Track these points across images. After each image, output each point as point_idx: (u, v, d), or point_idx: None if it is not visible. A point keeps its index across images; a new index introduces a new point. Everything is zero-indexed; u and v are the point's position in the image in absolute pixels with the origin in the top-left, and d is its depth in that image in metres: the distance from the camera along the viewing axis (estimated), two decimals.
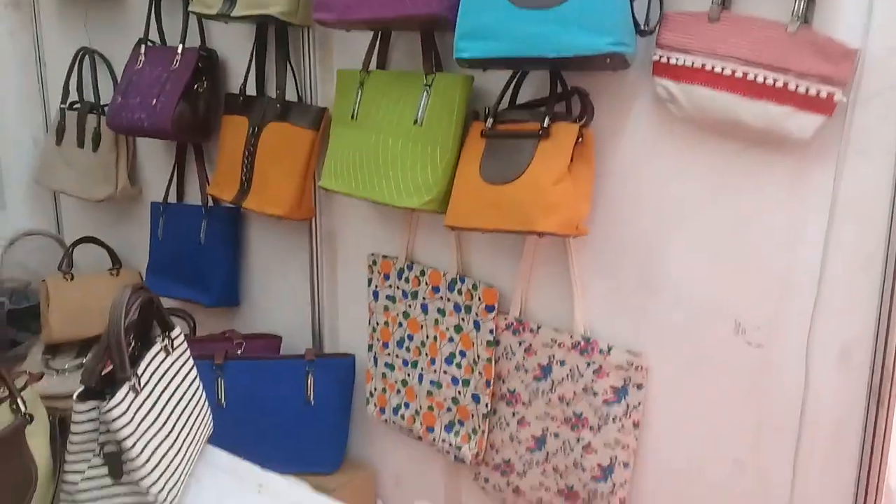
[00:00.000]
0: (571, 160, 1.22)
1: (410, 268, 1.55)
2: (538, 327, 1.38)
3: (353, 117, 1.49)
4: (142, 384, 0.99)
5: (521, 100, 1.34)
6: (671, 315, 1.27)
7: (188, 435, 1.10)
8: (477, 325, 1.44)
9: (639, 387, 1.28)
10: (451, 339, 1.49)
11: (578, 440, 1.34)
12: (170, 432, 1.04)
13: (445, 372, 1.51)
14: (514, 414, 1.43)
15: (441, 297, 1.50)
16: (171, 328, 1.13)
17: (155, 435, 0.99)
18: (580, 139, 1.22)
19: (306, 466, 1.69)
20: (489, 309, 1.42)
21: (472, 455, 1.48)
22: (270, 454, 1.69)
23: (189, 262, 1.96)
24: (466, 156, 1.34)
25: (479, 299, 1.43)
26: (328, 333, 1.81)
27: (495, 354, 1.44)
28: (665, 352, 1.28)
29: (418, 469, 1.68)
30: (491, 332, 1.42)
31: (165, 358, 1.08)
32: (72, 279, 2.16)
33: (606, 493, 1.32)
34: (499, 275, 1.46)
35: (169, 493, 1.01)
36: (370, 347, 1.66)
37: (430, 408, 1.54)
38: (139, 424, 0.96)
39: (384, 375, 1.63)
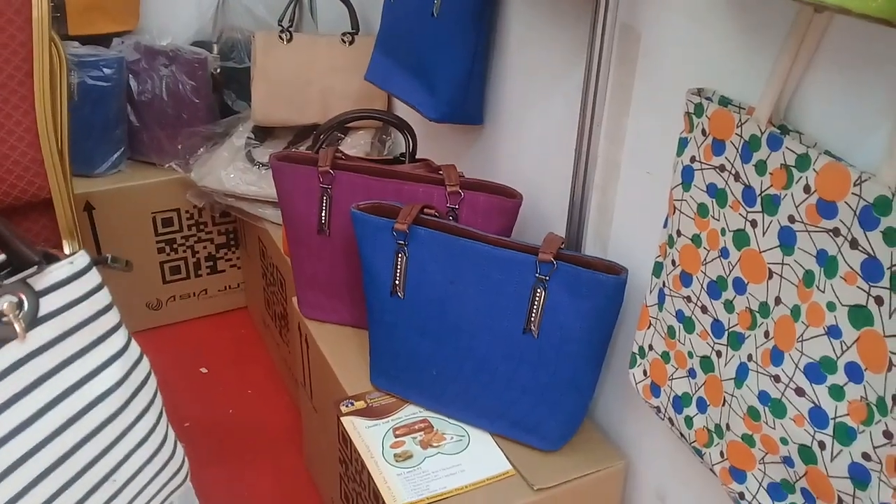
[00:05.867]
0: None
1: (776, 141, 0.67)
2: None
3: None
4: None
5: None
6: None
7: None
8: None
9: None
10: (832, 330, 0.64)
11: None
12: None
13: (801, 390, 0.67)
14: None
15: (836, 231, 0.62)
16: (28, 265, 0.43)
17: None
18: None
19: (514, 429, 1.01)
20: None
21: None
22: (460, 391, 1.03)
23: (417, 43, 1.25)
24: None
25: None
26: (594, 216, 1.02)
27: None
28: None
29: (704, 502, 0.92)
30: None
31: None
32: (290, 40, 1.57)
33: None
34: None
35: None
36: (657, 269, 0.85)
37: (748, 438, 0.74)
38: None
39: (671, 332, 0.84)
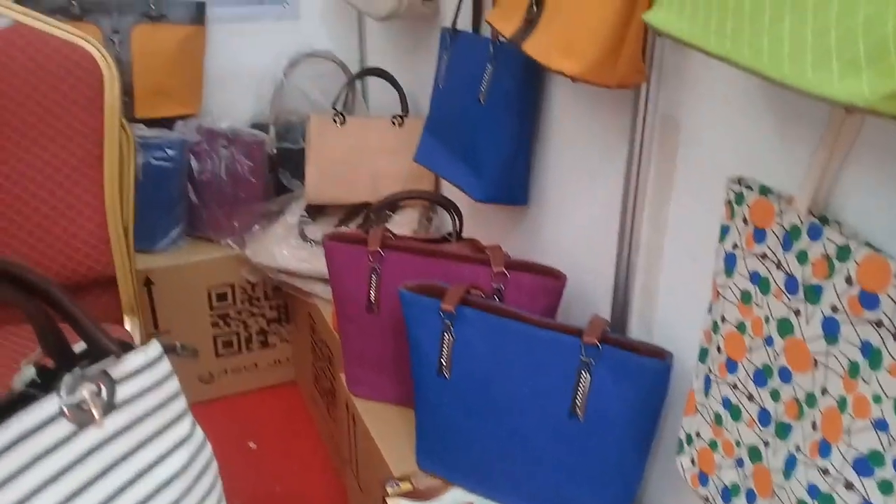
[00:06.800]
0: None
1: (817, 231, 0.68)
2: None
3: None
4: None
5: None
6: None
7: None
8: None
9: None
10: (879, 423, 0.63)
11: None
12: None
13: (850, 484, 0.66)
14: None
15: (879, 323, 0.62)
16: (106, 353, 0.46)
17: None
18: None
19: None
20: None
21: None
22: (505, 473, 1.03)
23: (464, 127, 1.29)
24: None
25: None
26: (638, 298, 1.03)
27: None
28: None
29: None
30: None
31: (63, 442, 0.43)
32: (343, 122, 1.63)
33: None
34: None
35: None
36: (703, 355, 0.85)
37: None
38: None
39: (718, 420, 0.83)
